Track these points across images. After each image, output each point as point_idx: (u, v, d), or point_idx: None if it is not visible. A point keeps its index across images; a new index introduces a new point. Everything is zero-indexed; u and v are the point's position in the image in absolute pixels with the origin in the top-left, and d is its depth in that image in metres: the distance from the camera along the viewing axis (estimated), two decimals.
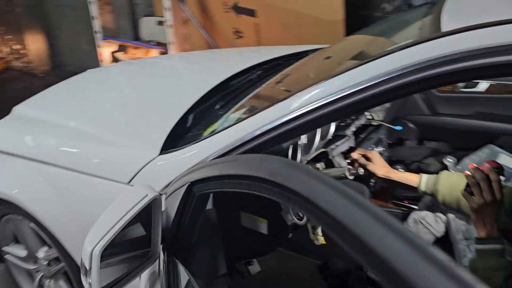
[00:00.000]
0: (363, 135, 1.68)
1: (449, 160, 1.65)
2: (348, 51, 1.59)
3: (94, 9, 3.80)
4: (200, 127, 1.41)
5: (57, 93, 2.05)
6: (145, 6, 4.21)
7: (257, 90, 1.51)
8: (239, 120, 1.14)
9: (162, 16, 3.92)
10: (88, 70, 2.42)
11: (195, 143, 1.20)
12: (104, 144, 1.40)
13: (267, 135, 1.06)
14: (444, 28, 0.89)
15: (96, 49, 3.94)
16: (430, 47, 0.84)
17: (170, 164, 1.22)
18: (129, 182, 1.28)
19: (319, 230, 1.44)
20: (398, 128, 1.79)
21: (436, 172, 1.47)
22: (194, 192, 0.85)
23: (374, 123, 1.73)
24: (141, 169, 1.26)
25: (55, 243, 1.54)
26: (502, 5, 0.98)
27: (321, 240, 1.45)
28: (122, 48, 4.05)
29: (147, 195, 0.88)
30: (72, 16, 4.82)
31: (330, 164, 1.45)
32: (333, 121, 1.47)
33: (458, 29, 0.84)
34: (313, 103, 1.00)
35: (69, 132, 1.54)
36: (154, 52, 3.80)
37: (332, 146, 1.50)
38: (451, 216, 1.41)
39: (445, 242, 1.49)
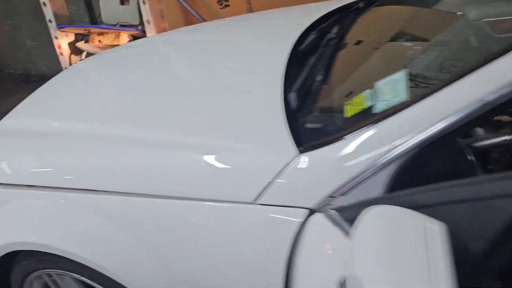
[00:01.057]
0: None
1: None
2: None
3: None
4: (317, 108, 1.04)
5: (58, 94, 1.56)
6: None
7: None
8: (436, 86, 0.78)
9: None
10: (78, 61, 1.91)
11: (364, 129, 0.82)
12: (193, 151, 0.98)
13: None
14: None
15: (53, 40, 3.32)
16: None
17: (327, 166, 0.84)
18: (256, 199, 0.89)
19: None
20: None
21: None
22: None
23: None
24: (274, 178, 0.87)
25: None
26: None
27: None
28: (82, 37, 3.45)
29: (430, 228, 0.51)
30: (7, 7, 4.08)
31: None
32: None
33: None
34: None
35: (122, 142, 1.09)
36: (126, 36, 3.25)
37: None
38: None
39: None
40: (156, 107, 1.21)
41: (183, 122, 1.10)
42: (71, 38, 3.46)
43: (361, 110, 0.91)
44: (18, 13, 4.09)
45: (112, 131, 1.15)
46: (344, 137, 0.84)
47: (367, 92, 0.94)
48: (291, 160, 0.87)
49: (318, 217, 0.83)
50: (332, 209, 0.83)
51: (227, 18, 2.20)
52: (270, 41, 1.47)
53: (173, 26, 3.24)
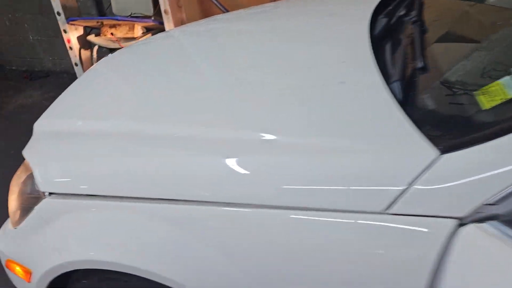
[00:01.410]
0: None
1: None
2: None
3: None
4: (438, 99, 0.90)
5: (94, 92, 1.40)
6: None
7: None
8: None
9: None
10: (109, 55, 1.74)
11: None
12: (300, 154, 0.84)
13: None
14: None
15: (63, 34, 3.13)
16: None
17: (483, 168, 0.70)
18: (387, 209, 0.75)
19: None
20: None
21: None
22: None
23: None
24: (411, 184, 0.73)
25: None
26: None
27: None
28: (91, 30, 3.27)
29: None
30: (8, 0, 3.87)
31: None
32: None
33: None
34: None
35: (193, 145, 0.95)
36: (140, 28, 3.08)
37: None
38: None
39: None
40: (235, 104, 1.07)
41: (272, 121, 0.95)
42: (80, 31, 3.28)
43: (504, 100, 0.78)
44: (19, 7, 3.89)
45: (172, 131, 1.00)
46: (503, 133, 0.71)
47: (505, 79, 0.80)
48: (432, 162, 0.73)
49: (473, 230, 0.69)
50: (490, 219, 0.69)
51: (264, 5, 2.05)
52: (337, 27, 1.32)
53: (191, 16, 3.08)
